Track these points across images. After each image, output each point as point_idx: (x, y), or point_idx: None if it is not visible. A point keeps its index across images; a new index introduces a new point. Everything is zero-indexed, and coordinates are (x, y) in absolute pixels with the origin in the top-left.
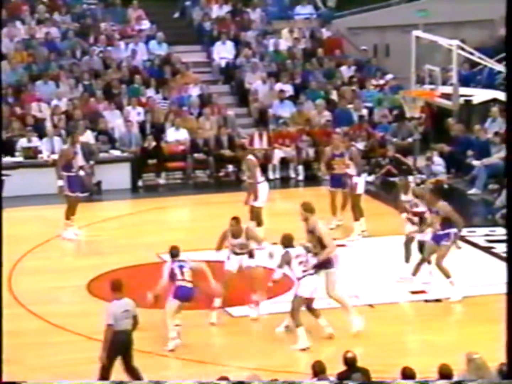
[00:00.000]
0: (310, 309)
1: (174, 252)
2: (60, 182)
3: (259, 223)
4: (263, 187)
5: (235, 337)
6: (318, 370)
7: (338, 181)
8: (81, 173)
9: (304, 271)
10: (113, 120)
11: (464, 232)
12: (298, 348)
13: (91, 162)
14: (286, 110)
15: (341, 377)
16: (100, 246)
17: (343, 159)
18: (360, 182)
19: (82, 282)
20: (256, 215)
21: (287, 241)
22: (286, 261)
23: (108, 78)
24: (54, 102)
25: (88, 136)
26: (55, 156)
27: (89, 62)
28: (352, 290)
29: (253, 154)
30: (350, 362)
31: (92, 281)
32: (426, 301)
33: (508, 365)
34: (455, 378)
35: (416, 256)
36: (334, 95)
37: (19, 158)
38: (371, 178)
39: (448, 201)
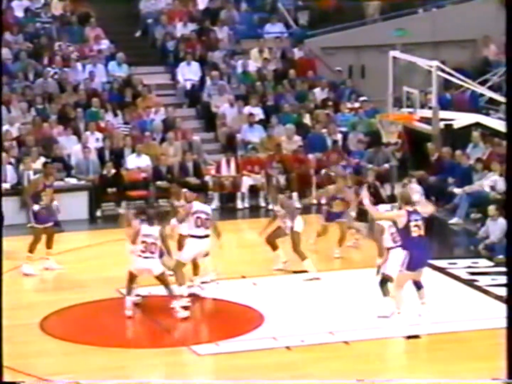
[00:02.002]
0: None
1: None
2: (35, 210)
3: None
4: None
5: (201, 376)
6: None
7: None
8: (54, 203)
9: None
10: (69, 146)
11: (445, 264)
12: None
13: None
14: (255, 135)
15: None
16: (56, 281)
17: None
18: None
19: (35, 320)
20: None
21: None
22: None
23: (63, 101)
24: (5, 127)
25: (41, 164)
26: (6, 185)
27: (43, 84)
28: (327, 326)
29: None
30: None
31: (45, 318)
32: (409, 337)
33: (508, 365)
34: None
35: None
36: (307, 119)
37: None
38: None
39: (428, 231)
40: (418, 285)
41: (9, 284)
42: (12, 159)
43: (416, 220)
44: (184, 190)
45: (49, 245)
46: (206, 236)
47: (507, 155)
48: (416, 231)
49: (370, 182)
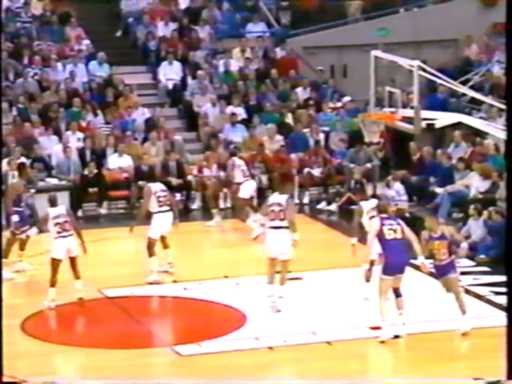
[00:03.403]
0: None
1: None
2: (15, 218)
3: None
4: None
5: (184, 376)
6: None
7: None
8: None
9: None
10: (50, 146)
11: (426, 263)
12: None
13: (32, 191)
14: (238, 135)
15: None
16: (37, 282)
17: None
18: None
19: (15, 321)
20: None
21: None
22: None
23: (44, 101)
24: None
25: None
26: None
27: (24, 84)
28: (309, 326)
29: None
30: None
31: (26, 319)
32: (396, 337)
33: (508, 365)
34: None
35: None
36: (289, 119)
37: None
38: (332, 207)
39: (410, 230)
40: (397, 293)
41: None
42: None
43: (390, 224)
44: None
45: (23, 247)
46: (282, 227)
47: (507, 154)
48: (391, 235)
49: (356, 179)
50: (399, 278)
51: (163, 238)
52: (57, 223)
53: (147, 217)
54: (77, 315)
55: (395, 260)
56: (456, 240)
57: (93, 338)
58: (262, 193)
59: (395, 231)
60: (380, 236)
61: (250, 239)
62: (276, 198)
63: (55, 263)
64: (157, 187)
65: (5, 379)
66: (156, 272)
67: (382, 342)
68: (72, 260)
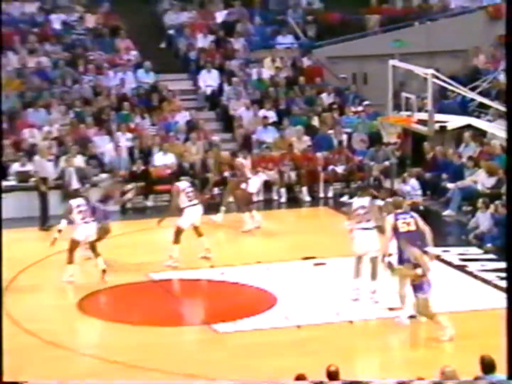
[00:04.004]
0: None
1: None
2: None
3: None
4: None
5: (221, 352)
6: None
7: None
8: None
9: None
10: (103, 145)
11: (439, 251)
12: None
13: (86, 186)
14: (269, 136)
15: None
16: (91, 266)
17: None
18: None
19: (73, 301)
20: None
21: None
22: None
23: (98, 105)
24: (46, 128)
25: (79, 161)
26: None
27: (80, 90)
28: (333, 307)
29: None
30: (332, 375)
31: (83, 299)
32: (412, 317)
33: (508, 364)
34: None
35: None
36: (315, 121)
37: (12, 182)
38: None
39: (424, 222)
40: None
41: (47, 269)
42: (52, 156)
43: (404, 218)
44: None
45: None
46: (369, 228)
47: (508, 154)
48: (404, 228)
49: (375, 176)
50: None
51: (196, 228)
52: (80, 211)
53: (179, 212)
54: (127, 296)
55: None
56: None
57: (141, 317)
58: (291, 188)
59: (408, 224)
60: (395, 230)
61: (242, 231)
62: (359, 202)
63: (74, 244)
64: (184, 185)
65: (5, 379)
66: (173, 259)
67: (411, 316)
68: (91, 244)
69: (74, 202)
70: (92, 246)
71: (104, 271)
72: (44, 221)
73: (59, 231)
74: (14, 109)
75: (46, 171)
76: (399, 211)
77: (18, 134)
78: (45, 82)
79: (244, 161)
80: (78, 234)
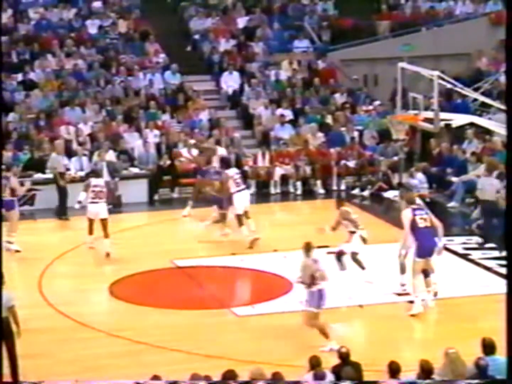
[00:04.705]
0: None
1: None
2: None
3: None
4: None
5: (240, 334)
6: (314, 363)
7: None
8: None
9: None
10: (133, 141)
11: (444, 240)
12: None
13: (116, 179)
14: (286, 133)
15: (335, 370)
16: (120, 253)
17: None
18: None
19: (104, 285)
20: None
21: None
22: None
23: (128, 104)
24: (81, 125)
25: (110, 156)
26: (82, 173)
27: (112, 90)
28: (345, 292)
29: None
30: (343, 356)
31: (113, 284)
32: (411, 302)
33: (508, 364)
34: (435, 372)
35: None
36: (329, 119)
37: (49, 175)
38: (365, 193)
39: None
40: (426, 274)
41: (80, 256)
42: (86, 151)
43: (421, 214)
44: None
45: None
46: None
47: (508, 154)
48: (422, 223)
49: (384, 171)
50: (429, 260)
51: (245, 212)
52: (93, 191)
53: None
54: (153, 281)
55: (427, 245)
56: None
57: (166, 300)
58: (306, 181)
59: (425, 220)
60: (414, 225)
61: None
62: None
63: (90, 221)
64: (233, 172)
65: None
66: (249, 235)
67: (413, 315)
68: (102, 222)
69: (93, 181)
70: (103, 225)
71: (108, 254)
72: (63, 212)
73: (79, 202)
74: (52, 108)
75: (62, 166)
76: (414, 206)
77: (55, 131)
78: (81, 82)
79: (233, 175)
80: (89, 213)
